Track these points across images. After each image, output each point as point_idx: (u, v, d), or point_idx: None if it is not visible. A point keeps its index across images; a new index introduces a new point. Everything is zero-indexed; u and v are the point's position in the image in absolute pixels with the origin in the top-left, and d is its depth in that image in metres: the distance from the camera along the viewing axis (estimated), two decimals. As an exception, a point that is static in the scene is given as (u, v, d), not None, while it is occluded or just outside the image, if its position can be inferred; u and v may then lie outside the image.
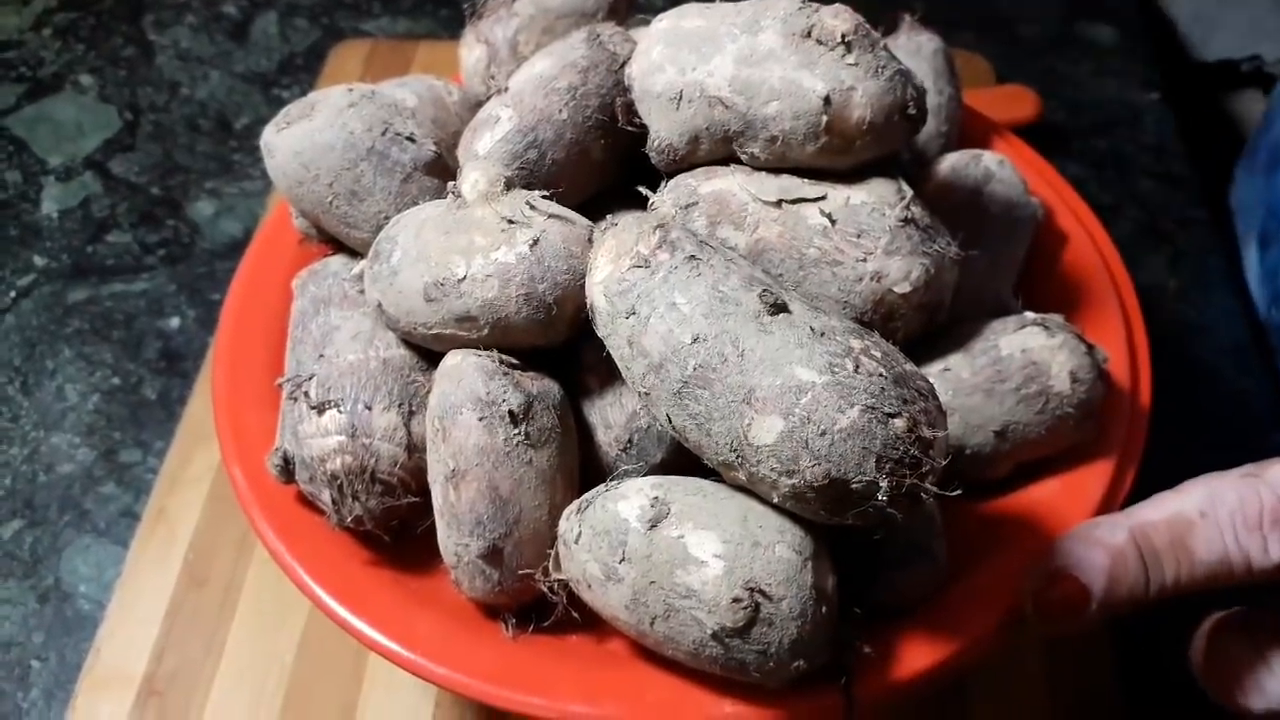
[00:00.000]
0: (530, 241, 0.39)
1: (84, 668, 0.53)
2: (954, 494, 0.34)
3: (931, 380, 0.35)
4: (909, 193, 0.41)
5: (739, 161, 0.42)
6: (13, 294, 0.70)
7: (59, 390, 0.65)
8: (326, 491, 0.41)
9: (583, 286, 0.38)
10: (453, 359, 0.40)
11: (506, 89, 0.44)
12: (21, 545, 0.58)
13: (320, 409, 0.41)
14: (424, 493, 0.41)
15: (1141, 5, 0.89)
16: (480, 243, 0.39)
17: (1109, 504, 0.42)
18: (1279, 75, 0.82)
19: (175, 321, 0.68)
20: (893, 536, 0.37)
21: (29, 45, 0.87)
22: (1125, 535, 0.36)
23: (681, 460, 0.39)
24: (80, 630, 0.55)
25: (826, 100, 0.39)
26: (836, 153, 0.40)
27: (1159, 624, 0.38)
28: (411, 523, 0.42)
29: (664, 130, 0.43)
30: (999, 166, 0.48)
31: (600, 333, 0.37)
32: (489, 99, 0.46)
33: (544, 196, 0.41)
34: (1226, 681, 0.38)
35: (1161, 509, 0.36)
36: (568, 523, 0.37)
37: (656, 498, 0.36)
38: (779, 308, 0.34)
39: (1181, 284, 0.70)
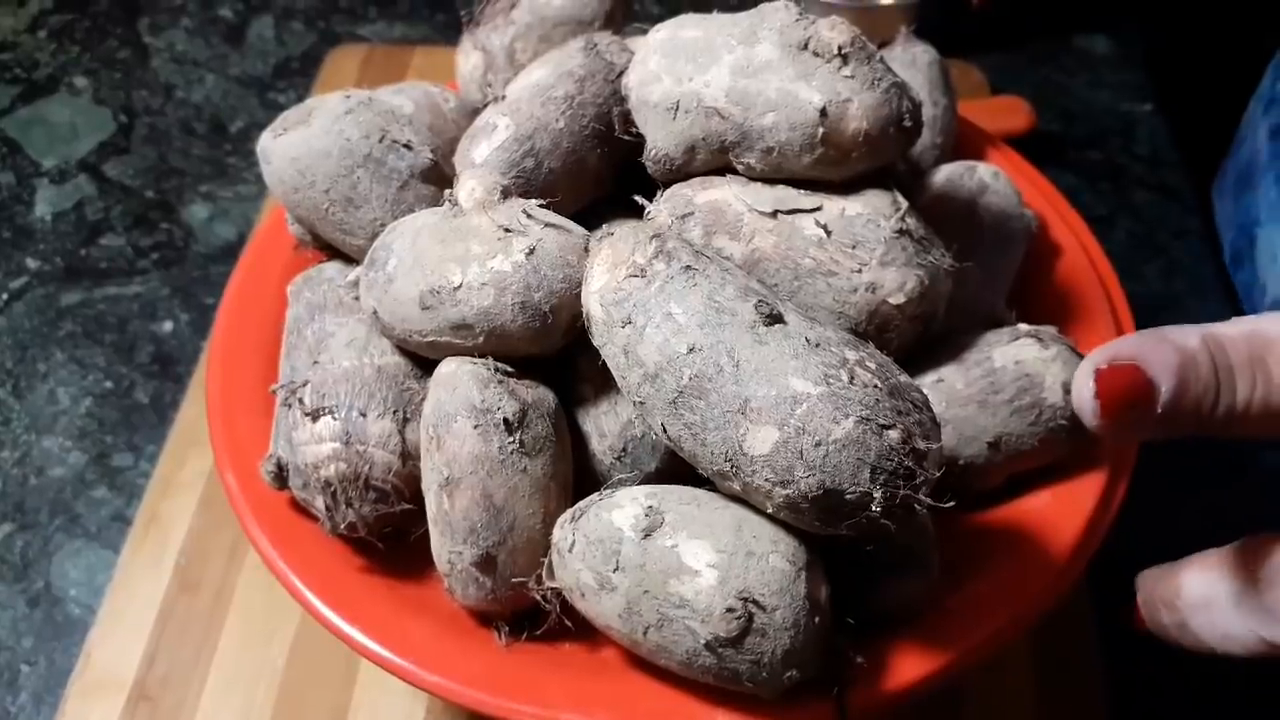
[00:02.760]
0: (526, 250, 0.39)
1: (74, 672, 0.52)
2: (947, 505, 0.34)
3: (925, 391, 0.35)
4: (904, 204, 0.41)
5: (735, 172, 0.42)
6: (5, 296, 0.70)
7: (51, 393, 0.65)
8: (320, 498, 0.41)
9: (579, 295, 0.38)
10: (448, 366, 0.40)
11: (503, 97, 0.44)
12: (12, 549, 0.58)
13: (314, 415, 0.41)
14: (418, 500, 0.41)
15: (1135, 15, 0.89)
16: (476, 251, 0.39)
17: (1101, 515, 0.42)
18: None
19: (168, 325, 0.68)
20: (886, 547, 0.37)
21: (24, 47, 0.87)
22: (1198, 340, 0.31)
23: (676, 469, 0.39)
24: (70, 634, 0.55)
25: (823, 112, 0.39)
26: (832, 164, 0.40)
27: (1147, 639, 0.38)
28: (405, 530, 0.41)
29: (660, 140, 0.43)
30: (994, 178, 0.49)
31: (596, 342, 0.37)
32: (486, 107, 0.46)
33: (540, 205, 0.41)
34: (1212, 617, 0.34)
35: (1239, 325, 0.32)
36: (561, 531, 0.37)
37: (650, 507, 0.36)
38: (774, 318, 0.35)
39: (1175, 295, 0.70)
